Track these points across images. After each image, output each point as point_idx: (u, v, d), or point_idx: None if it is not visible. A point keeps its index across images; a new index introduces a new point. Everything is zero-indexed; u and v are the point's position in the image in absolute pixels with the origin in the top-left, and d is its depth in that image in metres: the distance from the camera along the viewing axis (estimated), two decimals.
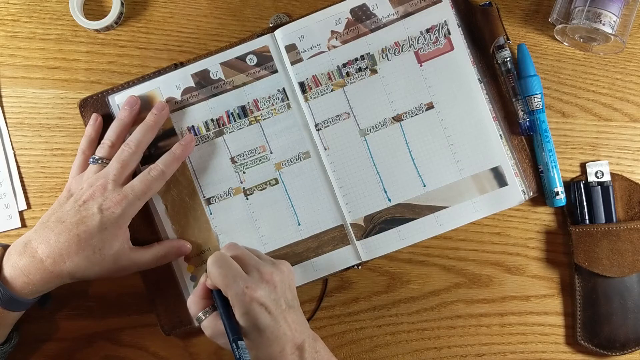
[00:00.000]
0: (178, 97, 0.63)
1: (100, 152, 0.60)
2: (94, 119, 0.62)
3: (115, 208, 0.56)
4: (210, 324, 0.55)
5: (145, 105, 0.63)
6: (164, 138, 0.63)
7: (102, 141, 0.60)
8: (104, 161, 0.59)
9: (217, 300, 0.54)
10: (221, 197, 0.63)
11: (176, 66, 0.64)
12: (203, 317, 0.55)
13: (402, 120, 0.63)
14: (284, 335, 0.53)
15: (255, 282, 0.53)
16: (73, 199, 0.57)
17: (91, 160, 0.60)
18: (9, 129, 0.65)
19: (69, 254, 0.55)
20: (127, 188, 0.57)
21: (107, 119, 0.63)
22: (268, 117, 0.63)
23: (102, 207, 0.56)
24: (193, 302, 0.56)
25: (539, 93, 0.63)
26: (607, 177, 0.63)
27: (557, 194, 0.62)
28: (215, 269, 0.53)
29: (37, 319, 0.64)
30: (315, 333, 0.56)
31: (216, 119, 0.63)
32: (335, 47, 0.63)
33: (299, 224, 0.63)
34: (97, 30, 0.65)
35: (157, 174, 0.58)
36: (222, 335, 0.54)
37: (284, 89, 0.63)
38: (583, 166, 0.64)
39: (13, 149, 0.65)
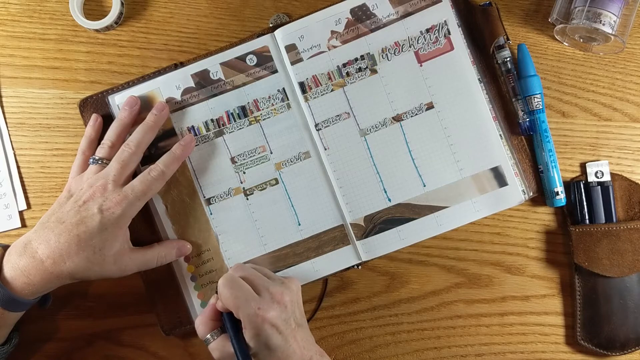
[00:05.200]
0: (178, 97, 0.63)
1: (100, 152, 0.60)
2: (94, 119, 0.62)
3: (116, 208, 0.56)
4: (219, 346, 0.55)
5: (145, 105, 0.63)
6: (164, 138, 0.63)
7: (102, 142, 0.60)
8: (104, 162, 0.59)
9: (227, 322, 0.54)
10: (221, 197, 0.63)
11: (176, 66, 0.64)
12: (211, 339, 0.55)
13: (402, 120, 0.63)
14: (293, 353, 0.53)
15: (267, 303, 0.53)
16: (73, 200, 0.57)
17: (91, 160, 0.60)
18: (9, 129, 0.65)
19: (69, 254, 0.55)
20: (127, 188, 0.57)
21: (107, 119, 0.63)
22: (268, 117, 0.63)
23: (102, 208, 0.56)
24: (201, 323, 0.56)
25: (539, 93, 0.63)
26: (607, 177, 0.63)
27: (557, 194, 0.62)
28: (226, 291, 0.53)
29: (37, 319, 0.64)
30: (321, 348, 0.57)
31: (216, 119, 0.63)
32: (335, 47, 0.63)
33: (299, 224, 0.63)
34: (97, 30, 0.65)
35: (157, 174, 0.58)
36: (230, 357, 0.54)
37: (284, 89, 0.63)
38: (583, 166, 0.64)
39: (13, 149, 0.65)
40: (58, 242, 0.55)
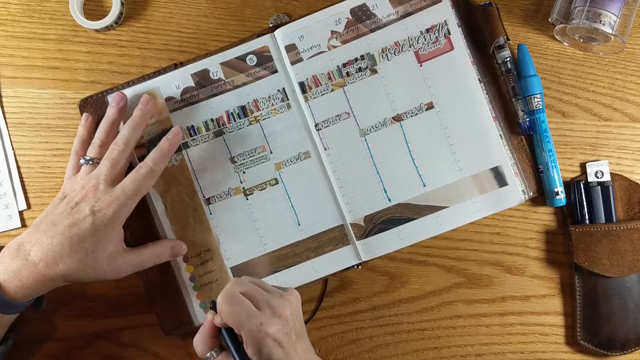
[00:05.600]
0: (178, 97, 0.63)
1: (91, 152, 0.59)
2: (85, 118, 0.62)
3: (108, 209, 0.55)
4: None
5: None
6: None
7: (92, 141, 0.60)
8: (95, 161, 0.59)
9: (227, 339, 0.53)
10: (221, 197, 0.63)
11: (176, 66, 0.64)
12: (212, 358, 0.54)
13: (402, 120, 0.63)
14: None
15: (269, 317, 0.52)
16: (66, 201, 0.57)
17: (82, 161, 0.59)
18: (9, 129, 0.65)
19: (62, 256, 0.54)
20: (118, 188, 0.56)
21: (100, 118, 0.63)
22: (268, 117, 0.63)
23: (94, 209, 0.55)
24: (201, 342, 0.54)
25: (539, 93, 0.63)
26: (607, 177, 0.63)
27: (557, 194, 0.62)
28: (227, 307, 0.52)
29: (35, 319, 0.63)
30: (320, 357, 0.56)
31: (216, 119, 0.63)
32: (335, 47, 0.63)
33: (299, 224, 0.63)
34: (97, 30, 0.65)
35: (146, 171, 0.58)
36: None
37: (284, 89, 0.63)
38: (583, 166, 0.64)
39: (13, 149, 0.65)
40: (51, 245, 0.54)
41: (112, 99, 0.62)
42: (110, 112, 0.61)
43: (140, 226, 0.63)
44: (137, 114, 0.60)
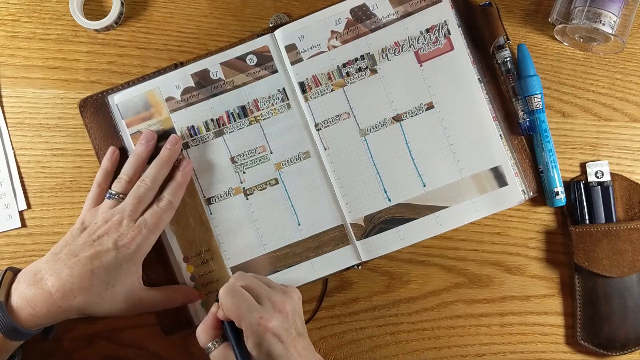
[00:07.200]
0: (178, 97, 0.63)
1: (117, 187, 0.60)
2: (111, 152, 0.62)
3: (131, 244, 0.56)
4: (220, 355, 0.54)
5: (145, 105, 0.63)
6: (165, 138, 0.63)
7: (119, 176, 0.60)
8: (120, 196, 0.59)
9: (228, 331, 0.54)
10: (221, 197, 0.63)
11: (176, 66, 0.64)
12: (213, 348, 0.55)
13: (402, 120, 0.63)
14: None
15: (269, 312, 0.53)
16: (87, 233, 0.57)
17: (108, 195, 0.60)
18: (9, 129, 0.65)
19: (80, 289, 0.54)
20: (140, 223, 0.57)
21: (122, 151, 0.63)
22: (268, 117, 0.63)
23: (118, 244, 0.55)
24: (203, 332, 0.55)
25: (539, 93, 0.63)
26: (607, 177, 0.63)
27: (557, 194, 0.62)
28: (228, 300, 0.53)
29: None
30: (321, 356, 0.56)
31: (216, 119, 0.63)
32: (335, 47, 0.63)
33: (299, 224, 0.63)
34: (97, 30, 0.65)
35: (165, 204, 0.59)
36: None
37: (284, 89, 0.63)
38: (583, 166, 0.64)
39: (13, 149, 0.65)
40: (70, 276, 0.54)
41: (142, 136, 0.62)
42: (139, 150, 0.61)
43: None
44: (165, 153, 0.61)
